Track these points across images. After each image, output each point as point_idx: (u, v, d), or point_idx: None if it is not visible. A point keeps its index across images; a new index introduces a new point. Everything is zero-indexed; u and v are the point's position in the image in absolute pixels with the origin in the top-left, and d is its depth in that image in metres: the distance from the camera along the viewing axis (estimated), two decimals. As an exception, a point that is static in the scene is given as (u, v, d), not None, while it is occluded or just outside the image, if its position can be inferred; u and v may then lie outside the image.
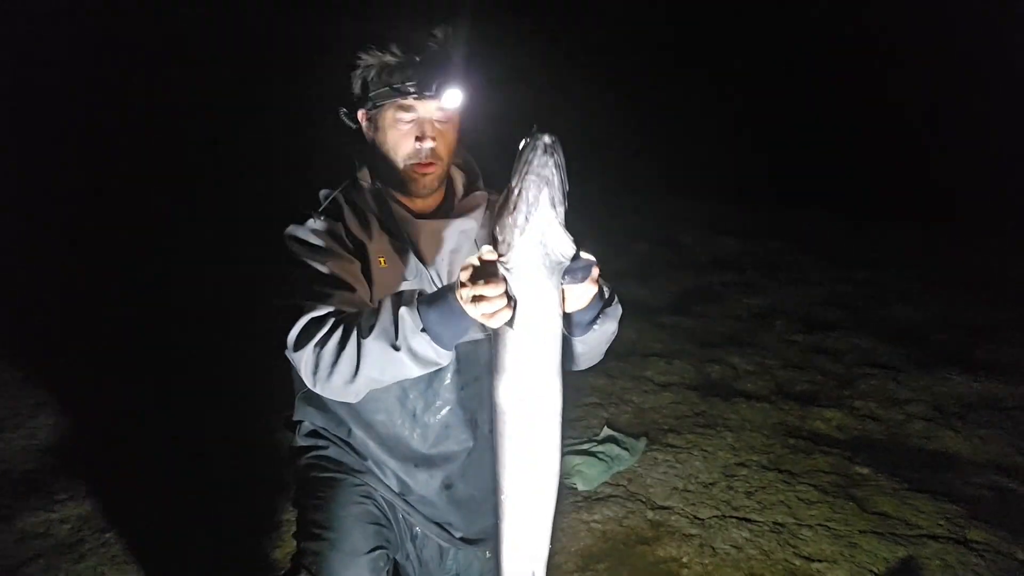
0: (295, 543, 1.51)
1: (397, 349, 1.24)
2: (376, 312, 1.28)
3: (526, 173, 1.08)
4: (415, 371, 1.28)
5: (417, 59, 1.43)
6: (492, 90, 1.52)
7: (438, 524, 1.64)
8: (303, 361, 1.32)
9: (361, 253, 1.49)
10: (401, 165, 1.50)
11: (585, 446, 2.90)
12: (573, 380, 1.26)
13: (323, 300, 1.36)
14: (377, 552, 1.44)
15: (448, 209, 1.60)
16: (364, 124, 1.54)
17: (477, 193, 1.62)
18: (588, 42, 10.13)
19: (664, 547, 2.42)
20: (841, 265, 5.26)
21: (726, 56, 10.14)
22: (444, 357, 1.26)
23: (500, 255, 1.13)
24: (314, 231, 1.47)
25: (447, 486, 1.62)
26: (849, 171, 7.31)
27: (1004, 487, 2.76)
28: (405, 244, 1.52)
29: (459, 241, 1.55)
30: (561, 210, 1.11)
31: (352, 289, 1.41)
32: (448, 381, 1.56)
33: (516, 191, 1.09)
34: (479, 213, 1.59)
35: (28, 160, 6.73)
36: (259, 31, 9.46)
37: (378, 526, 1.51)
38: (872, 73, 9.60)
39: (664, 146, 7.90)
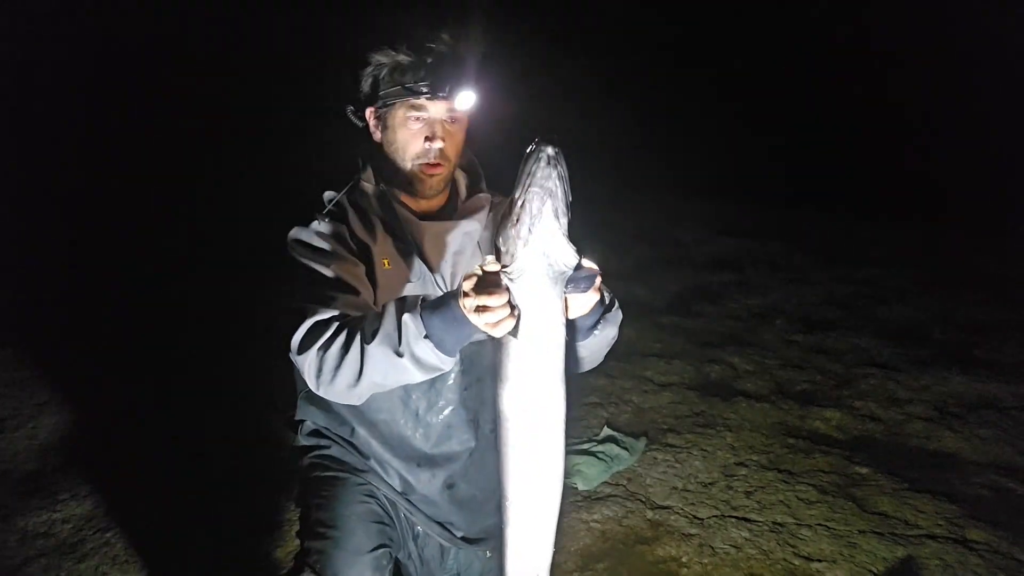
0: (299, 542, 1.51)
1: (400, 355, 1.25)
2: (380, 317, 1.28)
3: (529, 185, 1.09)
4: (418, 376, 1.29)
5: (430, 60, 1.43)
6: (500, 92, 1.52)
7: (440, 523, 1.65)
8: (307, 364, 1.33)
9: (365, 255, 1.49)
10: (409, 165, 1.50)
11: (585, 446, 2.90)
12: (573, 380, 1.26)
13: (327, 303, 1.36)
14: (380, 551, 1.45)
15: (452, 211, 1.60)
16: (372, 122, 1.54)
17: (481, 195, 1.62)
18: (588, 42, 10.13)
19: (663, 547, 2.43)
20: (841, 265, 5.27)
21: (726, 56, 10.14)
22: (447, 363, 1.27)
23: (503, 266, 1.13)
24: (318, 233, 1.48)
25: (449, 486, 1.62)
26: (849, 171, 7.31)
27: (1004, 487, 2.76)
28: (409, 246, 1.52)
29: (463, 243, 1.56)
30: (564, 221, 1.12)
31: (356, 292, 1.42)
32: (451, 382, 1.56)
33: (519, 203, 1.10)
34: (483, 215, 1.59)
35: (28, 160, 6.72)
36: (260, 30, 9.46)
37: (381, 525, 1.52)
38: (872, 73, 9.60)
39: (664, 146, 7.90)
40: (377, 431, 1.57)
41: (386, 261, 1.50)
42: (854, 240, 5.93)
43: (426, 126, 1.48)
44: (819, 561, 2.36)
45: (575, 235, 1.14)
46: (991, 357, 3.84)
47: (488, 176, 1.66)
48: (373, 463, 1.60)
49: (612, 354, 1.57)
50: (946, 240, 5.85)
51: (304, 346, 1.33)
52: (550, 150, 1.09)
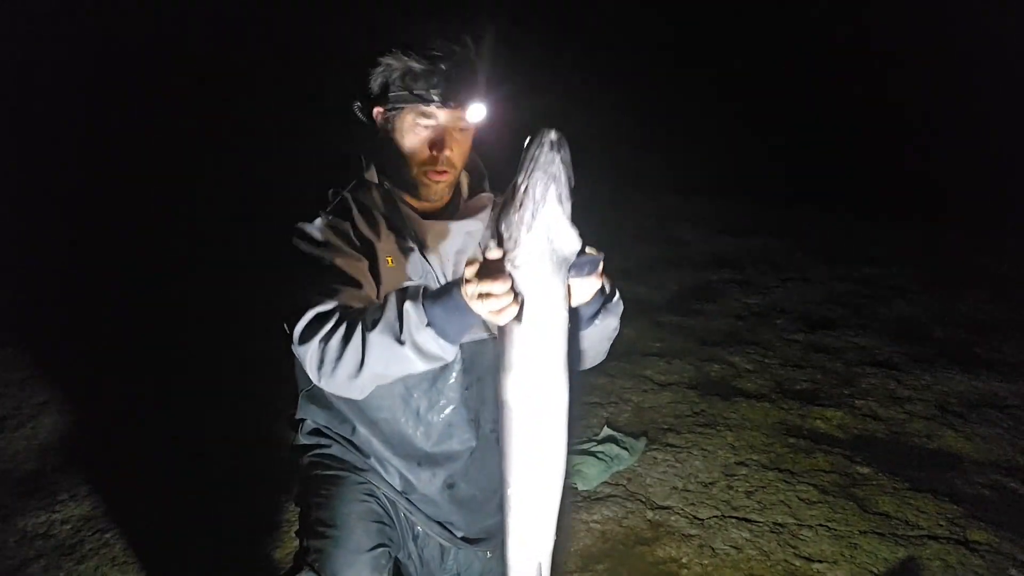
0: (298, 540, 1.51)
1: (402, 344, 1.23)
2: (381, 307, 1.28)
3: (532, 170, 1.08)
4: (420, 366, 1.27)
5: (443, 67, 1.40)
6: (510, 101, 1.51)
7: (440, 523, 1.64)
8: (308, 355, 1.31)
9: (369, 252, 1.49)
10: (414, 170, 1.49)
11: (585, 446, 2.90)
12: (575, 376, 1.26)
13: (329, 295, 1.35)
14: (379, 550, 1.44)
15: (454, 210, 1.60)
16: (379, 121, 1.52)
17: (483, 195, 1.62)
18: (588, 40, 10.13)
19: (663, 547, 2.42)
20: (841, 263, 5.26)
21: (727, 55, 10.14)
22: (449, 353, 1.26)
23: (506, 252, 1.12)
24: (322, 228, 1.47)
25: (449, 485, 1.62)
26: (849, 169, 7.29)
27: (1006, 487, 2.75)
28: (411, 245, 1.52)
29: (465, 242, 1.55)
30: (568, 206, 1.11)
31: (359, 286, 1.41)
32: (453, 380, 1.56)
33: (522, 188, 1.10)
34: (485, 214, 1.59)
35: (28, 160, 6.72)
36: (260, 30, 9.47)
37: (381, 524, 1.51)
38: (872, 73, 9.60)
39: (664, 144, 7.89)
40: (378, 430, 1.57)
41: (390, 259, 1.49)
42: (854, 239, 5.92)
43: (434, 133, 1.46)
44: (820, 562, 2.36)
45: (578, 223, 1.13)
46: (992, 356, 3.83)
47: (490, 175, 1.66)
48: (373, 462, 1.59)
49: (612, 353, 1.57)
50: (946, 239, 5.84)
51: (305, 336, 1.31)
52: (552, 135, 1.08)
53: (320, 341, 1.30)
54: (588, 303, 1.29)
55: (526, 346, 1.16)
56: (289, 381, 1.67)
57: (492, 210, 1.59)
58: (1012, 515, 2.58)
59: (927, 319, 4.31)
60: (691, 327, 4.20)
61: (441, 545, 1.66)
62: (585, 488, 2.72)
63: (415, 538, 1.64)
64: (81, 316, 4.21)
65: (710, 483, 2.77)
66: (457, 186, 1.63)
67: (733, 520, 2.56)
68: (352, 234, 1.49)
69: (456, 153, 1.48)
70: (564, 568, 2.31)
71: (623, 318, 1.48)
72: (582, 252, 1.16)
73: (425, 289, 1.26)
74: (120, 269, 4.89)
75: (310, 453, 1.62)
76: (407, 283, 1.50)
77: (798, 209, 6.59)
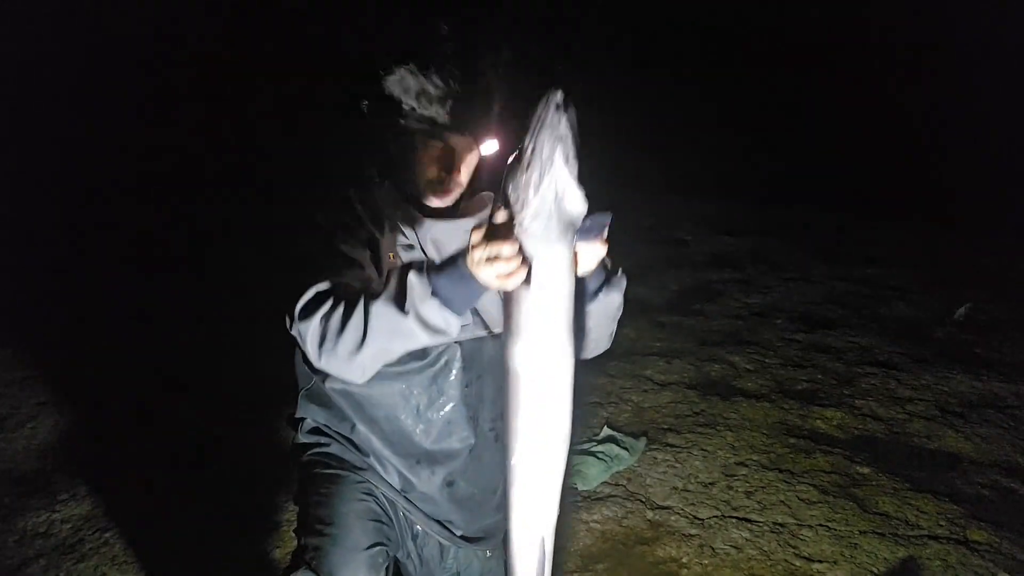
0: (296, 539, 1.51)
1: (405, 314, 1.22)
2: (385, 282, 1.26)
3: (539, 130, 1.08)
4: (423, 339, 1.25)
5: (459, 91, 1.34)
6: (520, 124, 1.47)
7: (439, 522, 1.64)
8: (309, 332, 1.29)
9: (372, 245, 1.48)
10: (420, 185, 1.47)
11: (585, 446, 2.90)
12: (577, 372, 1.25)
13: (331, 274, 1.34)
14: (376, 548, 1.44)
15: (456, 209, 1.60)
16: (388, 131, 1.50)
17: (484, 194, 1.61)
18: (586, 38, 10.13)
19: (663, 547, 2.42)
20: (841, 263, 5.26)
21: (726, 55, 10.14)
22: (453, 326, 1.24)
23: (514, 214, 1.11)
24: (327, 219, 1.46)
25: (448, 483, 1.62)
26: (849, 169, 7.30)
27: (1006, 487, 2.75)
28: (413, 242, 1.51)
29: (465, 241, 1.55)
30: (575, 167, 1.10)
31: (361, 268, 1.40)
32: (453, 378, 1.56)
33: (529, 148, 1.09)
34: (485, 214, 1.58)
35: (28, 160, 6.72)
36: (260, 29, 9.46)
37: (378, 523, 1.51)
38: (872, 73, 9.60)
39: (664, 144, 7.89)
40: (378, 427, 1.57)
41: (392, 255, 1.49)
42: (854, 239, 5.92)
43: (444, 155, 1.43)
44: (820, 562, 2.36)
45: (584, 187, 1.12)
46: (992, 356, 3.83)
47: (491, 175, 1.65)
48: (372, 460, 1.59)
49: (612, 353, 1.56)
50: (946, 240, 5.85)
51: (306, 312, 1.30)
52: (559, 95, 1.07)
53: (321, 318, 1.28)
54: (592, 275, 1.27)
55: (534, 309, 1.14)
56: (290, 380, 1.67)
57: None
58: (1012, 515, 2.58)
59: (927, 319, 4.31)
60: (691, 327, 4.20)
61: (440, 544, 1.66)
62: (585, 488, 2.71)
63: (414, 537, 1.64)
64: (81, 316, 4.21)
65: (710, 483, 2.77)
66: None
67: (733, 520, 2.56)
68: (355, 228, 1.48)
69: (464, 173, 1.46)
70: (564, 568, 2.31)
71: (623, 319, 1.48)
72: (587, 216, 1.14)
73: (430, 263, 1.25)
74: (120, 269, 4.89)
75: (309, 452, 1.62)
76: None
77: (798, 209, 6.59)
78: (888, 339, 4.02)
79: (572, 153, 1.09)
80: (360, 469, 1.58)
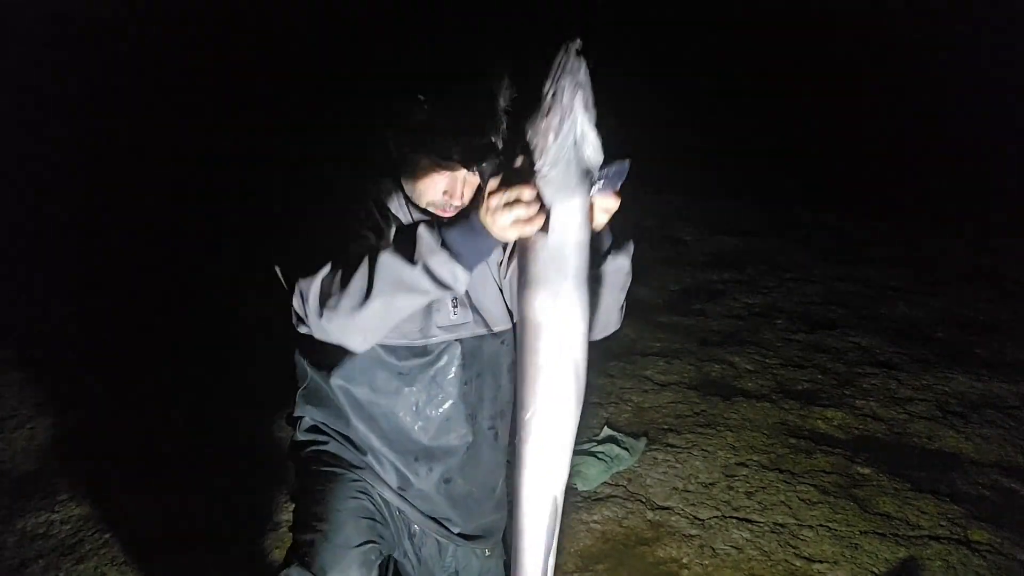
0: (292, 535, 1.51)
1: (414, 263, 1.19)
2: (393, 238, 1.25)
3: (560, 76, 1.07)
4: (430, 292, 1.22)
5: (467, 125, 1.34)
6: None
7: (436, 520, 1.64)
8: (311, 288, 1.25)
9: (378, 234, 1.47)
10: (423, 204, 1.46)
11: (585, 446, 2.90)
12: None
13: (336, 248, 1.30)
14: (368, 546, 1.44)
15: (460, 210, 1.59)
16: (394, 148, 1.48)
17: None
18: (587, 40, 10.12)
19: (664, 548, 2.42)
20: (842, 263, 5.25)
21: (726, 55, 10.14)
22: (461, 280, 1.21)
23: (533, 161, 1.11)
24: (333, 210, 1.46)
25: (445, 480, 1.62)
26: (849, 168, 7.30)
27: (1007, 487, 2.75)
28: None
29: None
30: (593, 113, 1.10)
31: (365, 239, 1.37)
32: (452, 375, 1.56)
33: (550, 94, 1.08)
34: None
35: (28, 160, 6.72)
36: (261, 28, 9.46)
37: (372, 521, 1.51)
38: (872, 73, 9.60)
39: (664, 144, 7.89)
40: (375, 424, 1.57)
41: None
42: (855, 239, 5.91)
43: (449, 180, 1.41)
44: (821, 562, 2.35)
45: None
46: (993, 356, 3.83)
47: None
48: (370, 459, 1.59)
49: (612, 353, 1.56)
50: (946, 240, 5.84)
51: (307, 271, 1.26)
52: (579, 42, 1.07)
53: (325, 275, 1.25)
54: (602, 235, 1.27)
55: (552, 258, 1.13)
56: (290, 380, 1.67)
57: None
58: (1013, 515, 2.58)
59: (928, 319, 4.31)
60: (691, 327, 4.19)
61: (438, 542, 1.66)
62: (585, 488, 2.71)
63: (411, 536, 1.64)
64: (81, 316, 4.21)
65: (710, 483, 2.77)
66: None
67: (733, 520, 2.56)
68: (364, 217, 1.47)
69: (468, 195, 1.45)
70: (564, 568, 2.31)
71: (623, 320, 1.48)
72: (603, 166, 1.14)
73: (440, 219, 1.23)
74: (120, 269, 4.89)
75: (307, 450, 1.62)
76: None
77: (798, 209, 6.59)
78: (888, 339, 4.02)
79: (591, 100, 1.09)
80: (357, 468, 1.58)
